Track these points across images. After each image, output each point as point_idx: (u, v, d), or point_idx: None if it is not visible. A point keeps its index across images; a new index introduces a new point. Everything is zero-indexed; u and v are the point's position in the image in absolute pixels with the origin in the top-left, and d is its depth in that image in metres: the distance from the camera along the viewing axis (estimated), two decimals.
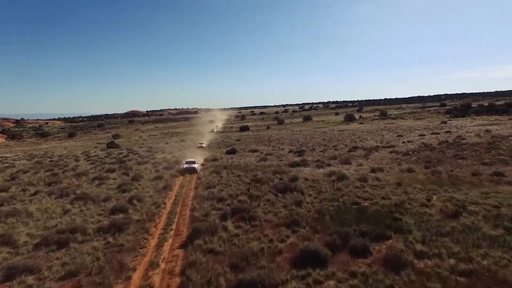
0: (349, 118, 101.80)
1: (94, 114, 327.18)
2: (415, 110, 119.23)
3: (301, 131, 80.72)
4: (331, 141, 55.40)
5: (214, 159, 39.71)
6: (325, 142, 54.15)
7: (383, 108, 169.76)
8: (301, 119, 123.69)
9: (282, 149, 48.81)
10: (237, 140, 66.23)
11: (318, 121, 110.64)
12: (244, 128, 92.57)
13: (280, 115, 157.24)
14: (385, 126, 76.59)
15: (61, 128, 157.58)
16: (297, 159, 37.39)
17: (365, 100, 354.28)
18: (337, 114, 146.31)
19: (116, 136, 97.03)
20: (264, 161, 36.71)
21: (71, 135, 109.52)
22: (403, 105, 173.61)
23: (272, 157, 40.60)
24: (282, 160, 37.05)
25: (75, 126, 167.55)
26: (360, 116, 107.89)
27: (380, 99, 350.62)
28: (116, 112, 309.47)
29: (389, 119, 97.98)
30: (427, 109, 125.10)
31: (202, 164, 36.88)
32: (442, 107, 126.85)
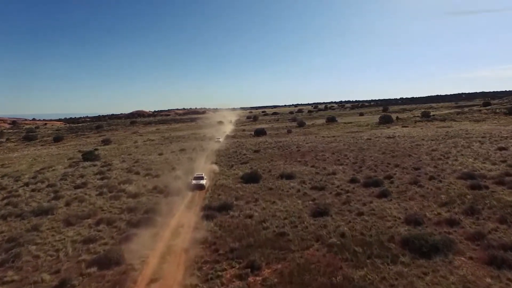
0: (386, 120, 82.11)
1: (100, 114, 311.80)
2: (459, 110, 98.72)
3: (334, 137, 61.52)
4: (397, 156, 36.15)
5: (224, 207, 20.25)
6: (388, 158, 35.05)
7: (410, 107, 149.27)
8: (323, 121, 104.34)
9: (333, 173, 29.66)
10: (255, 151, 47.25)
11: (346, 123, 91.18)
12: (260, 132, 73.58)
13: (296, 116, 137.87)
14: (447, 132, 56.88)
15: (56, 130, 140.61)
16: (389, 207, 18.30)
17: (381, 99, 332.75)
18: (361, 114, 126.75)
19: (106, 142, 79.11)
20: (327, 217, 17.69)
21: (57, 140, 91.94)
22: (433, 105, 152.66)
23: (331, 197, 21.61)
24: (363, 216, 17.89)
25: (72, 128, 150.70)
26: (397, 117, 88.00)
27: (396, 99, 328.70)
28: (123, 112, 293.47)
29: (436, 121, 78.11)
30: (470, 108, 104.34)
31: (196, 228, 17.67)
32: (486, 107, 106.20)
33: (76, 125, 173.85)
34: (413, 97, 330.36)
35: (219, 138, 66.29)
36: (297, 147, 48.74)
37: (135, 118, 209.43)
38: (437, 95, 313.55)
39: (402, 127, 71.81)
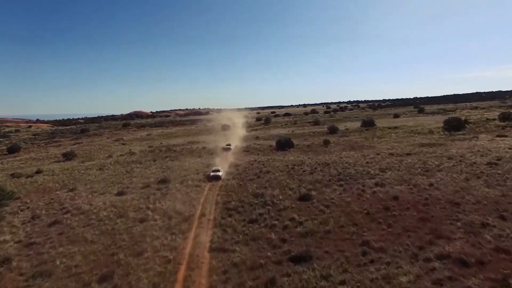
0: (455, 126, 57.02)
1: (99, 115, 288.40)
2: None
3: (409, 155, 37.25)
4: None
5: None
6: None
7: (449, 108, 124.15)
8: (355, 124, 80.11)
9: None
10: (301, 197, 22.74)
11: (392, 129, 66.72)
12: (284, 144, 49.10)
13: (315, 117, 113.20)
14: None
15: (34, 135, 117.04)
16: None
17: (393, 99, 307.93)
18: (396, 116, 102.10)
19: (67, 156, 55.33)
20: None
21: (12, 150, 68.08)
22: (474, 103, 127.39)
23: None
24: None
25: (54, 132, 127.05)
26: (466, 121, 63.21)
27: (410, 98, 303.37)
28: (123, 113, 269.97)
29: None
30: None
31: None
32: None
33: (63, 127, 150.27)
34: (427, 97, 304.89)
35: (219, 171, 32.81)
36: (376, 184, 24.29)
37: (132, 119, 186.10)
38: (455, 94, 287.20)
39: (498, 136, 47.07)
